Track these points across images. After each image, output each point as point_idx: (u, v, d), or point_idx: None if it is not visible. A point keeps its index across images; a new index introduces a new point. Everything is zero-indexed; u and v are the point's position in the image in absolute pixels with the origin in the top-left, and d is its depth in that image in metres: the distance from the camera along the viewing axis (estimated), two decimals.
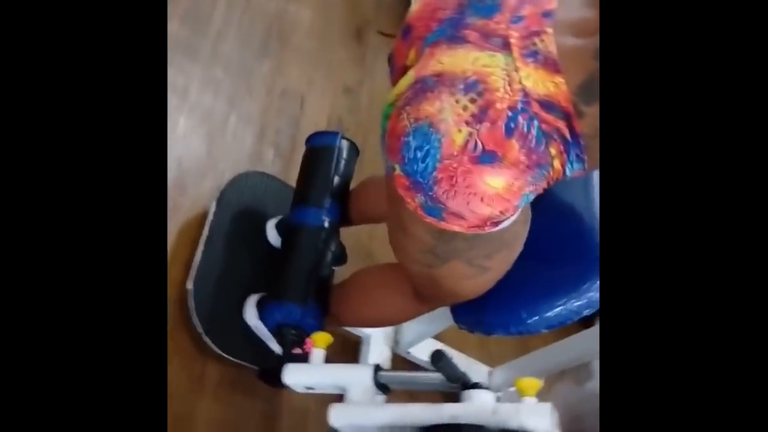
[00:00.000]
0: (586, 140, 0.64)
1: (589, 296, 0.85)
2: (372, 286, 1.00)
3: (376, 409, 0.85)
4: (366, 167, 1.49)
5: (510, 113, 0.63)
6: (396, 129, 0.68)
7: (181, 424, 1.13)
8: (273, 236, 1.27)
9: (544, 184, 0.68)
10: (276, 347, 1.14)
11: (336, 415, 0.87)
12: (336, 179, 1.16)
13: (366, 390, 0.89)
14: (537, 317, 0.89)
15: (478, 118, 0.63)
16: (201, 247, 1.18)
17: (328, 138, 1.20)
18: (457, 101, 0.64)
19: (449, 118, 0.64)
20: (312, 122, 1.67)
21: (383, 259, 1.64)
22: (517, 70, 0.64)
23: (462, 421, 0.78)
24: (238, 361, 1.15)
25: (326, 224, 1.10)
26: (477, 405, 0.79)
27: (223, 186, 1.27)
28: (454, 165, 0.64)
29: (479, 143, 0.63)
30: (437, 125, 0.64)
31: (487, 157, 0.64)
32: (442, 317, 1.09)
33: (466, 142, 0.64)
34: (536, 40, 0.65)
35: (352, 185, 1.21)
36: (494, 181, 0.65)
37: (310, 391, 0.98)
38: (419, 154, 0.65)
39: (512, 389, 0.88)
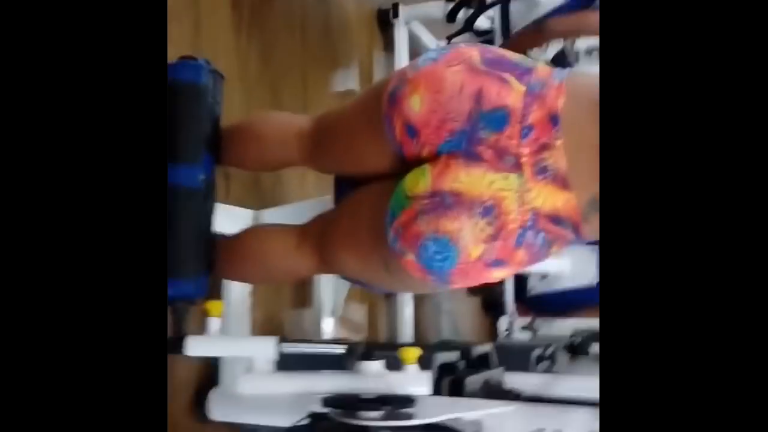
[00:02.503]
0: (586, 238, 0.78)
1: None
2: (268, 253, 1.03)
3: (284, 380, 1.00)
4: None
5: (520, 231, 0.74)
6: (412, 229, 0.76)
7: None
8: None
9: None
10: None
11: (245, 384, 1.00)
12: (207, 125, 1.06)
13: (269, 360, 1.01)
14: None
15: (493, 237, 0.74)
16: None
17: (191, 72, 1.05)
18: (475, 224, 0.74)
19: (468, 236, 0.74)
20: None
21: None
22: (528, 190, 0.73)
23: (359, 391, 0.97)
24: None
25: (202, 181, 1.05)
26: (371, 376, 0.98)
27: None
28: (469, 268, 0.76)
29: (492, 256, 0.75)
30: (456, 241, 0.74)
31: (497, 263, 0.76)
32: None
33: (481, 255, 0.75)
34: (546, 155, 0.73)
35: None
36: (500, 273, 0.79)
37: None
38: (438, 257, 0.76)
39: None
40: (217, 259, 1.08)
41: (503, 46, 2.23)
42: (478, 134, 0.76)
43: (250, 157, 1.11)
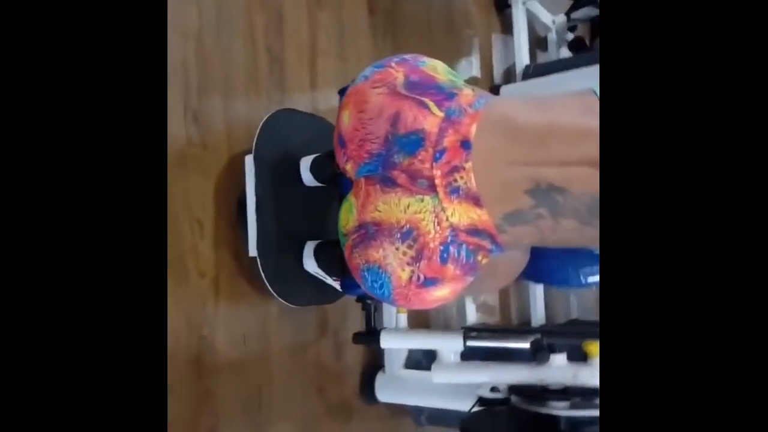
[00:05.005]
0: (505, 246, 0.79)
1: None
2: None
3: (474, 370, 1.08)
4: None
5: (441, 247, 0.77)
6: (352, 263, 0.83)
7: (261, 362, 1.31)
8: (308, 178, 1.28)
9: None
10: (333, 283, 1.28)
11: (437, 374, 1.09)
12: None
13: (456, 353, 1.10)
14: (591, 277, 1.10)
15: (416, 258, 0.78)
16: (253, 216, 1.19)
17: None
18: (397, 249, 0.78)
19: (393, 262, 0.79)
20: (293, 6, 1.48)
21: None
22: (444, 209, 0.76)
23: (547, 383, 1.03)
24: (308, 305, 1.29)
25: None
26: (559, 368, 1.04)
27: (253, 141, 1.21)
28: (405, 291, 0.80)
29: (421, 275, 0.78)
30: (385, 267, 0.79)
31: (430, 282, 0.79)
32: None
33: (410, 277, 0.79)
34: (457, 176, 0.75)
35: None
36: (440, 293, 0.81)
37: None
38: (376, 285, 0.82)
39: None
40: None
41: None
42: (392, 158, 0.79)
43: None
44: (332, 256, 1.23)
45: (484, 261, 0.80)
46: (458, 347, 1.08)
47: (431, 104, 0.79)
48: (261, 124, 1.22)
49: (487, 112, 0.78)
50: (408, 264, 0.78)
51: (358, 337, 1.15)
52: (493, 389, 1.24)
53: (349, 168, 0.86)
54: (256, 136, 1.21)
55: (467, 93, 0.81)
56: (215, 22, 1.29)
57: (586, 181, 0.72)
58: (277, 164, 1.24)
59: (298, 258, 1.26)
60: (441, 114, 0.78)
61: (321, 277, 1.28)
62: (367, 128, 0.81)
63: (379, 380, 1.52)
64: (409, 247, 0.77)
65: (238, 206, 1.24)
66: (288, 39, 1.48)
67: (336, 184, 1.19)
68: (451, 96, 0.80)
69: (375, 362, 1.56)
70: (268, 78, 1.40)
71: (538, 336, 1.03)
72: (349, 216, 0.84)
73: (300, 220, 1.28)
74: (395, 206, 0.78)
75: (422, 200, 0.77)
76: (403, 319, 1.15)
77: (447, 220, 0.76)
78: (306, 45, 1.53)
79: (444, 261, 0.78)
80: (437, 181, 0.76)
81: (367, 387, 1.53)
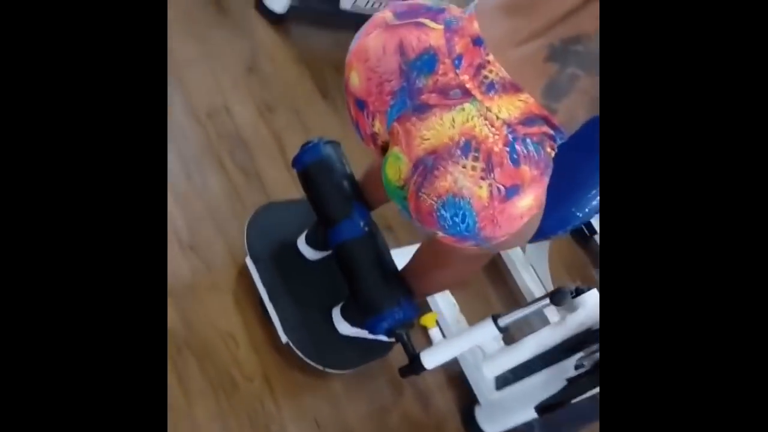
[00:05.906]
0: (564, 127, 0.75)
1: None
2: (444, 262, 1.11)
3: (520, 347, 1.04)
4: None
5: (507, 148, 0.73)
6: (422, 209, 0.78)
7: None
8: (309, 252, 1.35)
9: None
10: (371, 336, 1.28)
11: (490, 368, 1.05)
12: (344, 183, 1.21)
13: (496, 339, 1.06)
14: (586, 209, 1.06)
15: (488, 169, 0.73)
16: (271, 307, 1.25)
17: (312, 152, 1.22)
18: (464, 167, 0.73)
19: (467, 182, 0.73)
20: (248, 124, 1.63)
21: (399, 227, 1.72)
22: (489, 109, 0.73)
23: (588, 325, 0.97)
24: (360, 365, 1.30)
25: (364, 227, 1.18)
26: (594, 305, 0.98)
27: (244, 245, 1.30)
28: (491, 212, 0.75)
29: (500, 187, 0.74)
30: (460, 193, 0.74)
31: (512, 191, 0.74)
32: None
33: (490, 192, 0.74)
34: (485, 72, 0.73)
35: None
36: (524, 202, 0.76)
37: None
38: (457, 219, 0.76)
39: None
40: (410, 282, 1.18)
41: None
42: (415, 85, 0.77)
43: (382, 192, 1.22)
44: (358, 310, 1.25)
45: (553, 153, 0.77)
46: (495, 333, 1.05)
47: (427, 21, 0.79)
48: (245, 227, 1.32)
49: (479, 7, 0.79)
50: (482, 178, 0.73)
51: (403, 371, 1.14)
52: (578, 366, 1.17)
53: (378, 126, 0.83)
54: (245, 240, 1.30)
55: (454, 6, 0.83)
56: (182, 168, 1.44)
57: (595, 18, 0.68)
58: (276, 253, 1.32)
59: (330, 327, 1.29)
60: (440, 26, 0.78)
61: (361, 335, 1.29)
62: (379, 70, 0.80)
63: (479, 413, 1.46)
64: (475, 159, 0.73)
65: (261, 305, 1.31)
66: (256, 151, 1.61)
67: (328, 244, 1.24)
68: (441, 10, 0.82)
69: (467, 398, 1.50)
70: (251, 192, 1.52)
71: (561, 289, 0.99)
72: (399, 165, 0.80)
73: (317, 292, 1.32)
74: (440, 126, 0.74)
75: (463, 109, 0.74)
76: (436, 333, 1.13)
77: (498, 118, 0.73)
78: (274, 146, 1.65)
79: (516, 162, 0.73)
80: (468, 85, 0.74)
81: (470, 426, 1.46)
